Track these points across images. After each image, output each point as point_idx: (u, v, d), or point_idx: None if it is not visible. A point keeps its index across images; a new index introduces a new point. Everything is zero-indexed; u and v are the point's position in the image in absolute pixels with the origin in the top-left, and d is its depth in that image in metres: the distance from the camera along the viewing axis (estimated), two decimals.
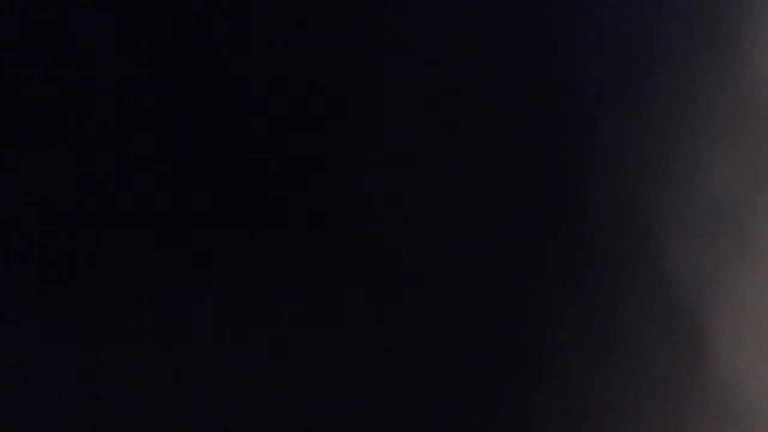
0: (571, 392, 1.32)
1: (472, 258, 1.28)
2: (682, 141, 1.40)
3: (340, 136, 1.21)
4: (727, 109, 1.42)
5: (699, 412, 1.39)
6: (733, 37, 1.43)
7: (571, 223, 1.33)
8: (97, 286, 1.09)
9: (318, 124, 1.20)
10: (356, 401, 1.20)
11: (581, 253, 1.34)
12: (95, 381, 1.09)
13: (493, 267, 1.29)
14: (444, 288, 1.26)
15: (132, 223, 1.11)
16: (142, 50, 1.12)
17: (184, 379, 1.12)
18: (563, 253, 1.33)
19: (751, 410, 1.42)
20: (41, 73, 1.08)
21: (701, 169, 1.41)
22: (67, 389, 1.08)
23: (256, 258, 1.16)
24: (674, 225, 1.39)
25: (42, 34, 1.08)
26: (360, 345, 1.21)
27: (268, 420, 1.16)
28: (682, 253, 1.39)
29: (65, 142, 1.09)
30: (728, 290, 1.41)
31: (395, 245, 1.23)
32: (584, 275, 1.34)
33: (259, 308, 1.16)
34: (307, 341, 1.18)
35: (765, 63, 1.44)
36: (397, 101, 1.24)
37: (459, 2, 1.28)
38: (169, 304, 1.12)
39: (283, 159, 1.18)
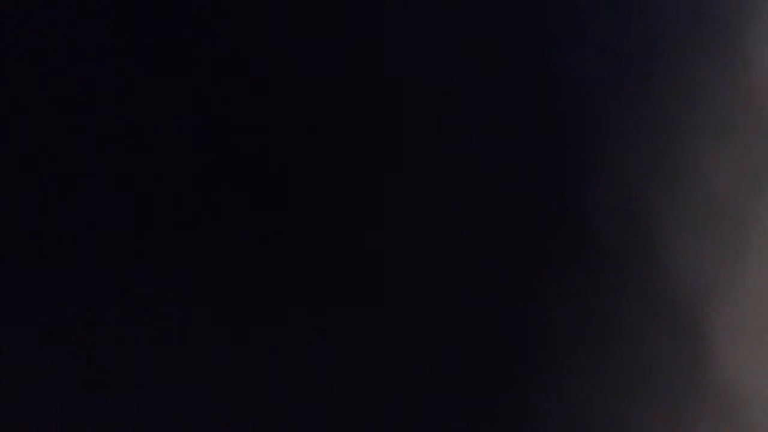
0: (571, 392, 1.32)
1: (472, 257, 1.28)
2: (682, 140, 1.40)
3: (338, 137, 1.21)
4: (727, 109, 1.42)
5: (699, 412, 1.39)
6: (733, 37, 1.43)
7: (571, 222, 1.33)
8: (98, 286, 1.09)
9: (316, 124, 1.20)
10: (355, 401, 1.20)
11: (581, 253, 1.34)
12: (97, 382, 1.09)
13: (492, 266, 1.29)
14: (443, 288, 1.26)
15: (132, 223, 1.11)
16: (141, 50, 1.12)
17: (184, 379, 1.13)
18: (563, 252, 1.33)
19: (751, 410, 1.42)
20: (41, 73, 1.08)
21: (701, 168, 1.41)
22: (68, 391, 1.08)
23: (255, 258, 1.16)
24: (674, 224, 1.39)
25: (42, 33, 1.08)
26: (359, 345, 1.21)
27: (267, 420, 1.16)
28: (682, 253, 1.39)
29: (65, 142, 1.09)
30: (728, 290, 1.42)
31: (395, 246, 1.23)
32: (584, 275, 1.34)
33: (258, 308, 1.16)
34: (307, 341, 1.18)
35: (765, 63, 1.44)
36: (395, 101, 1.24)
37: (459, 2, 1.28)
38: (169, 305, 1.12)
39: (281, 160, 1.18)
